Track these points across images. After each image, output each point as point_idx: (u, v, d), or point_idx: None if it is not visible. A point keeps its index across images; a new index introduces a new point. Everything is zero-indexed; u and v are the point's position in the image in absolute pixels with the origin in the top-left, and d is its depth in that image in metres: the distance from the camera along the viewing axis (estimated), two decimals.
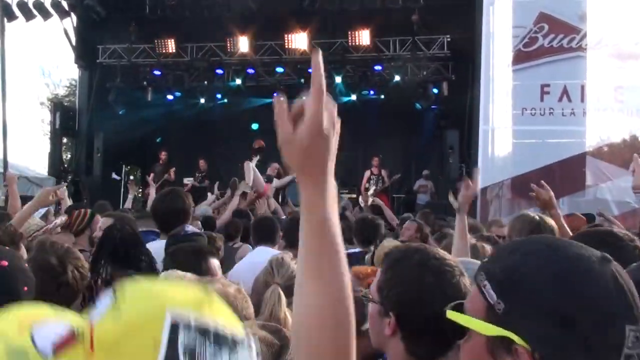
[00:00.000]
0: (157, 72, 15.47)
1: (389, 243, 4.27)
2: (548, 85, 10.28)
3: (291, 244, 4.06)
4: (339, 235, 0.95)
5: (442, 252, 1.59)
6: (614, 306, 0.91)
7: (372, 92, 15.58)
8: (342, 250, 0.96)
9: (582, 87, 10.11)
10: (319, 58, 0.95)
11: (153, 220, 4.01)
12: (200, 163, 14.02)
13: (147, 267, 2.88)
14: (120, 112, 15.34)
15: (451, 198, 3.18)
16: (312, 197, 0.96)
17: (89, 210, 4.63)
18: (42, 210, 5.25)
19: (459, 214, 2.98)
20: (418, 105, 14.90)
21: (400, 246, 1.77)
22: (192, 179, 13.73)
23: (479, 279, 1.00)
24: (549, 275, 0.94)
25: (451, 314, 1.02)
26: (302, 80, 14.94)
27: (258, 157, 11.08)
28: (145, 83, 15.62)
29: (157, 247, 3.43)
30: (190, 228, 3.87)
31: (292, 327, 0.99)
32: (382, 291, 1.53)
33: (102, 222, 4.02)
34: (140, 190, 13.54)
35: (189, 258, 2.57)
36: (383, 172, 12.87)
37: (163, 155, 14.01)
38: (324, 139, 0.96)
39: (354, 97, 15.47)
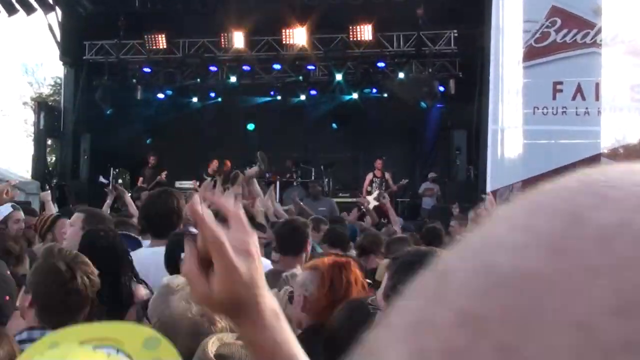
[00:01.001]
0: (147, 70, 15.49)
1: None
2: (561, 83, 10.29)
3: (284, 251, 4.00)
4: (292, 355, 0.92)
5: None
6: None
7: (374, 90, 15.61)
8: None
9: (597, 85, 10.12)
10: (196, 208, 0.92)
11: (142, 223, 3.98)
12: (214, 163, 13.49)
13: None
14: (107, 112, 15.35)
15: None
16: (250, 336, 0.95)
17: (53, 215, 4.65)
18: (5, 212, 5.22)
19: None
20: (423, 104, 14.92)
21: (410, 250, 1.77)
22: (191, 182, 13.07)
23: None
24: None
25: None
26: (301, 78, 14.97)
27: (214, 178, 10.84)
28: (134, 81, 15.63)
29: (143, 256, 3.41)
30: (193, 229, 3.84)
31: None
32: (389, 298, 1.53)
33: (73, 219, 3.92)
34: (130, 194, 13.50)
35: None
36: (386, 175, 12.86)
37: (151, 159, 13.95)
38: (242, 286, 0.92)
39: (355, 95, 15.50)
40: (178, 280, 1.93)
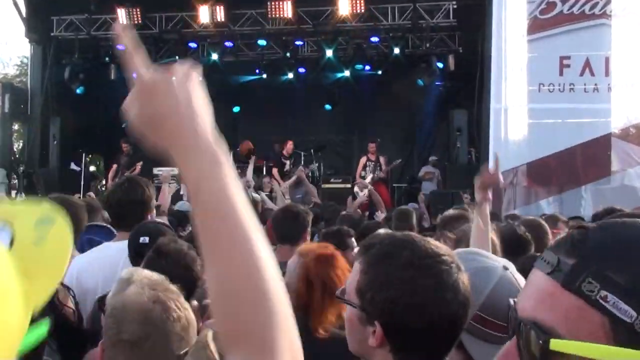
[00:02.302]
0: (120, 47, 15.35)
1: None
2: (568, 58, 10.32)
3: (282, 240, 3.98)
4: (228, 203, 0.91)
5: (435, 244, 1.50)
6: None
7: (368, 67, 15.58)
8: (238, 223, 0.90)
9: (607, 60, 10.16)
10: (123, 31, 1.04)
11: (109, 213, 3.96)
12: (289, 144, 13.55)
13: None
14: (78, 93, 15.24)
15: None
16: (179, 165, 0.98)
17: None
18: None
19: (476, 206, 2.92)
20: (420, 82, 14.91)
21: (383, 237, 1.57)
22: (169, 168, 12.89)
23: (587, 287, 0.82)
24: None
25: (557, 344, 0.82)
26: (288, 55, 14.91)
27: (253, 158, 11.15)
28: (107, 59, 15.52)
29: (114, 253, 3.33)
30: (157, 219, 3.84)
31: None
32: (364, 294, 1.45)
33: None
34: (104, 183, 13.52)
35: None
36: (381, 159, 12.88)
37: (125, 147, 13.81)
38: (149, 95, 1.03)
39: (347, 73, 15.46)
40: (139, 272, 1.93)
